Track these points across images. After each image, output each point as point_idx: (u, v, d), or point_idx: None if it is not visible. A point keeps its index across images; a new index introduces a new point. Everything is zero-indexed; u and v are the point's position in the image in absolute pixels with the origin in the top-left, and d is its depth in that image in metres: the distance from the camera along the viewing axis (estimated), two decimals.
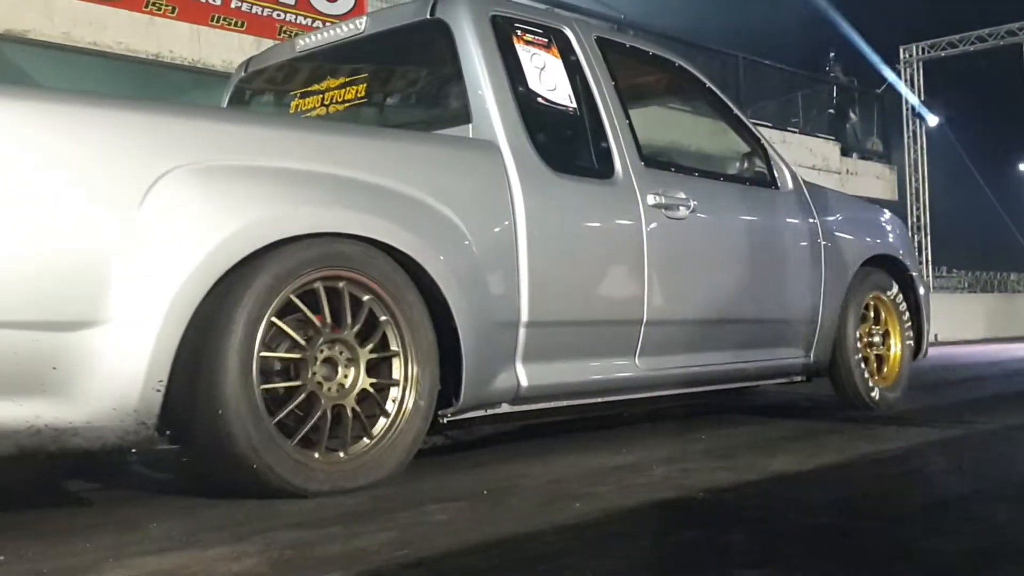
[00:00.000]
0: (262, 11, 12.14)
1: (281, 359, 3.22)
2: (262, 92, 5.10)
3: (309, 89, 4.74)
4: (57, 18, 10.53)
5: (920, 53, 23.30)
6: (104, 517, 3.06)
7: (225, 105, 5.02)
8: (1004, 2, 22.67)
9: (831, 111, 21.16)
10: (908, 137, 23.40)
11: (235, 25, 11.90)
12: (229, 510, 3.06)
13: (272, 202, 3.19)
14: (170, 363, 2.90)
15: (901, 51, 23.42)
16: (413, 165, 3.69)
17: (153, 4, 11.19)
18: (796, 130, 19.43)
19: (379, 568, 2.33)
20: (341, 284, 3.33)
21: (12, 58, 10.81)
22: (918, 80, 23.32)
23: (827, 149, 19.79)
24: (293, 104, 4.79)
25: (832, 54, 22.11)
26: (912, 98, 21.85)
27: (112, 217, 2.86)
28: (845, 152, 20.49)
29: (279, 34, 12.25)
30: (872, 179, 20.80)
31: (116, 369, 2.82)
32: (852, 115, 21.77)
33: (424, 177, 3.66)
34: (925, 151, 23.43)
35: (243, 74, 5.07)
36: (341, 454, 3.29)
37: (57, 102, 3.00)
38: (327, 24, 4.65)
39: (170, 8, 11.33)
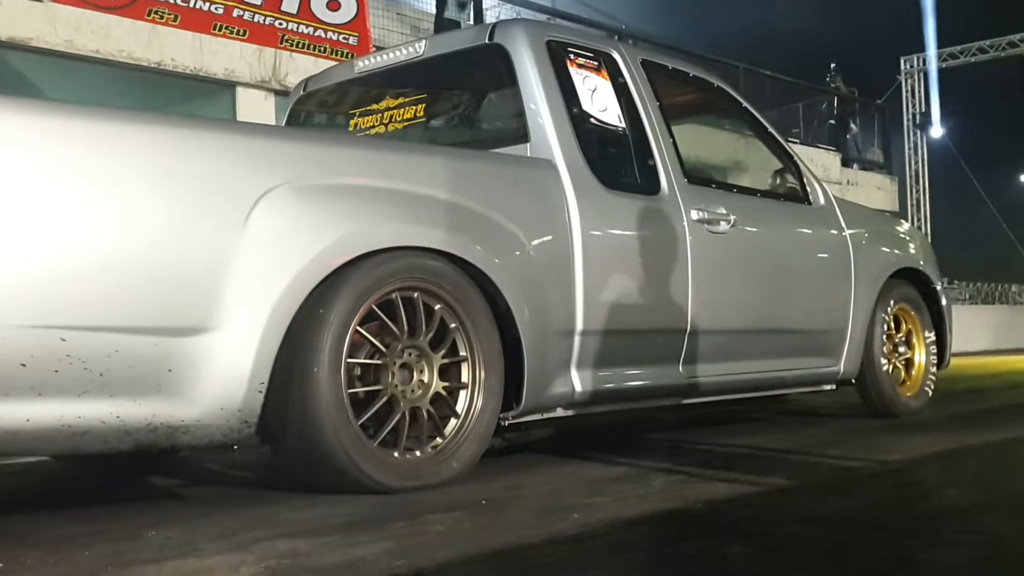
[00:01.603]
0: (264, 20, 12.18)
1: (363, 365, 3.47)
2: (320, 110, 5.37)
3: (368, 108, 5.00)
4: (60, 26, 10.58)
5: (921, 64, 23.30)
6: (103, 525, 3.10)
7: (285, 122, 5.32)
8: (1005, 14, 22.69)
9: (832, 121, 21.17)
10: (909, 148, 23.42)
11: (237, 34, 11.95)
12: (228, 518, 3.09)
13: (359, 218, 3.44)
14: (271, 367, 3.14)
15: (902, 62, 23.45)
16: (480, 183, 3.94)
17: (156, 12, 11.25)
18: (796, 140, 19.45)
19: None
20: (416, 294, 3.57)
21: (15, 66, 10.88)
22: (919, 91, 23.31)
23: (827, 160, 19.82)
24: (352, 123, 5.05)
25: (833, 65, 22.12)
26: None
27: (222, 232, 3.11)
28: (846, 163, 20.52)
29: (280, 43, 12.31)
30: (873, 189, 20.82)
31: (224, 372, 3.06)
32: (853, 126, 21.79)
33: (490, 194, 3.91)
34: (926, 162, 23.46)
35: (302, 93, 5.34)
36: (418, 452, 3.52)
37: (176, 126, 3.26)
38: (384, 48, 5.00)
39: (172, 17, 11.38)
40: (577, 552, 2.59)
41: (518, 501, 3.31)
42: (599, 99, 4.47)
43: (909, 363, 6.09)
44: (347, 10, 12.99)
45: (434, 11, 15.49)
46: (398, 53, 4.89)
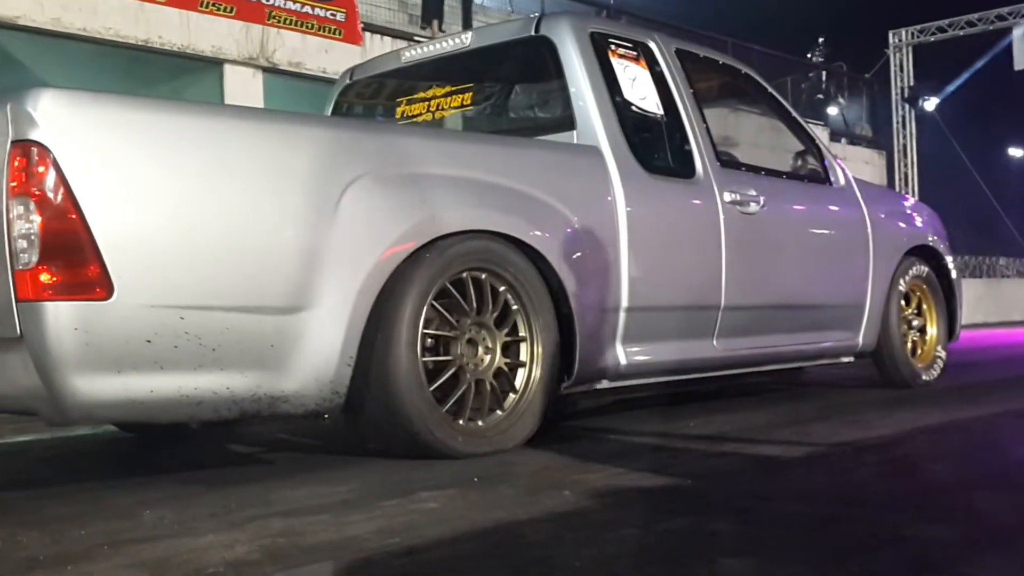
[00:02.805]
0: None
1: (436, 337, 3.75)
2: (367, 98, 5.67)
3: (415, 97, 5.29)
4: (47, 4, 10.60)
5: (910, 38, 23.30)
6: (98, 504, 3.16)
7: (330, 109, 5.61)
8: None
9: (820, 96, 21.17)
10: (897, 122, 23.45)
11: (224, 11, 11.96)
12: (222, 497, 3.16)
13: (433, 205, 3.74)
14: (358, 341, 3.45)
15: (891, 35, 23.46)
16: (536, 169, 4.23)
17: None
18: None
19: (370, 556, 2.39)
20: (484, 276, 3.87)
21: (2, 44, 10.79)
22: (908, 64, 23.31)
23: (816, 134, 19.80)
24: (399, 111, 5.34)
25: (820, 40, 22.11)
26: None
27: (317, 218, 3.40)
28: (834, 137, 20.54)
29: (268, 19, 12.28)
30: (861, 164, 20.95)
31: (318, 347, 3.37)
32: (841, 100, 21.79)
33: (546, 180, 4.19)
34: (914, 135, 23.50)
35: (348, 81, 5.63)
36: (480, 423, 3.82)
37: (276, 122, 3.62)
38: (432, 39, 5.25)
39: None
40: (568, 529, 2.63)
41: (509, 478, 3.35)
42: (639, 87, 4.75)
43: (922, 336, 6.43)
44: None
45: None
46: (444, 44, 5.18)
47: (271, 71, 12.40)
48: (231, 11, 11.98)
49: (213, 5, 11.82)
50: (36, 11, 10.54)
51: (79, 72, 11.66)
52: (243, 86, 12.13)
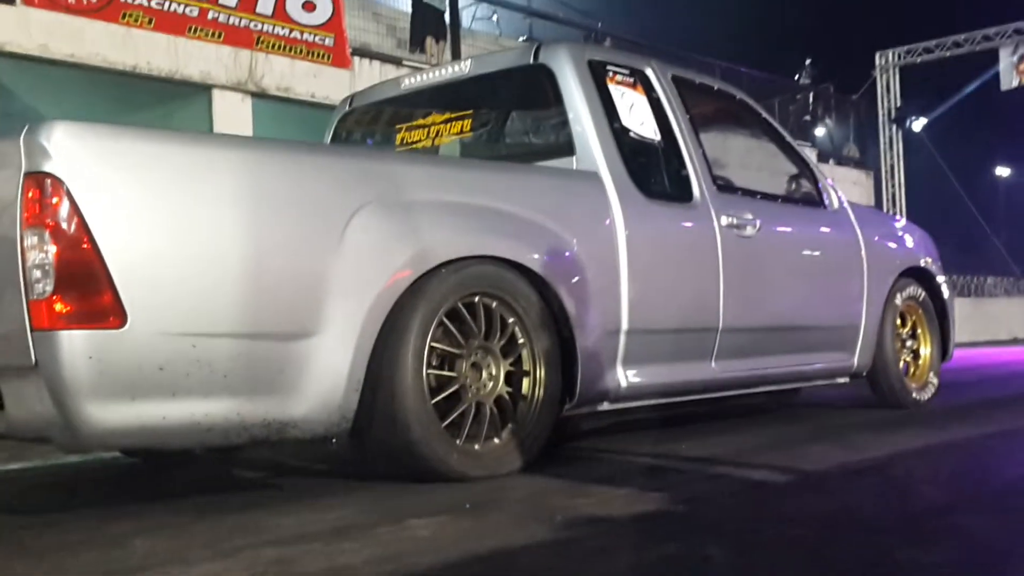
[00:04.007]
0: (239, 22, 12.23)
1: (441, 353, 3.81)
2: (365, 126, 5.77)
3: (414, 124, 5.39)
4: (34, 30, 10.62)
5: (896, 59, 23.44)
6: (92, 533, 3.20)
7: (329, 136, 5.70)
8: (980, 8, 22.86)
9: (807, 117, 21.27)
10: (884, 143, 23.57)
11: (213, 36, 11.99)
12: (214, 525, 3.17)
13: (439, 230, 3.83)
14: (366, 366, 3.53)
15: (877, 56, 23.60)
16: (537, 195, 4.32)
17: (130, 16, 11.29)
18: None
19: None
20: (495, 304, 3.98)
21: None
22: (894, 85, 23.43)
23: (809, 157, 19.87)
24: (399, 137, 5.43)
25: (808, 61, 22.23)
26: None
27: (324, 245, 3.49)
28: (822, 158, 20.64)
29: (256, 44, 12.32)
30: (849, 185, 21.04)
31: (326, 372, 3.44)
32: (828, 121, 21.89)
33: (546, 205, 4.27)
34: (902, 156, 23.60)
35: (347, 108, 5.72)
36: (476, 446, 3.84)
37: (283, 151, 3.69)
38: (430, 66, 5.36)
39: (147, 20, 11.42)
40: (561, 556, 2.65)
41: (501, 504, 3.36)
42: (636, 113, 4.85)
43: (916, 356, 6.51)
44: (323, 11, 13.04)
45: (409, 10, 15.43)
46: (443, 72, 5.30)
47: (259, 96, 12.43)
48: (219, 36, 12.02)
49: (201, 30, 11.85)
50: (23, 37, 10.56)
51: (67, 98, 11.67)
52: (231, 111, 12.16)
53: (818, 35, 30.48)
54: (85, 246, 3.05)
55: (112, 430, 3.12)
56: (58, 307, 3.02)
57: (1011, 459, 4.41)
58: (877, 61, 23.83)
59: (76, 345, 3.02)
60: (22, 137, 3.11)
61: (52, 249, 3.03)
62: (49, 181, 3.05)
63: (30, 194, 3.07)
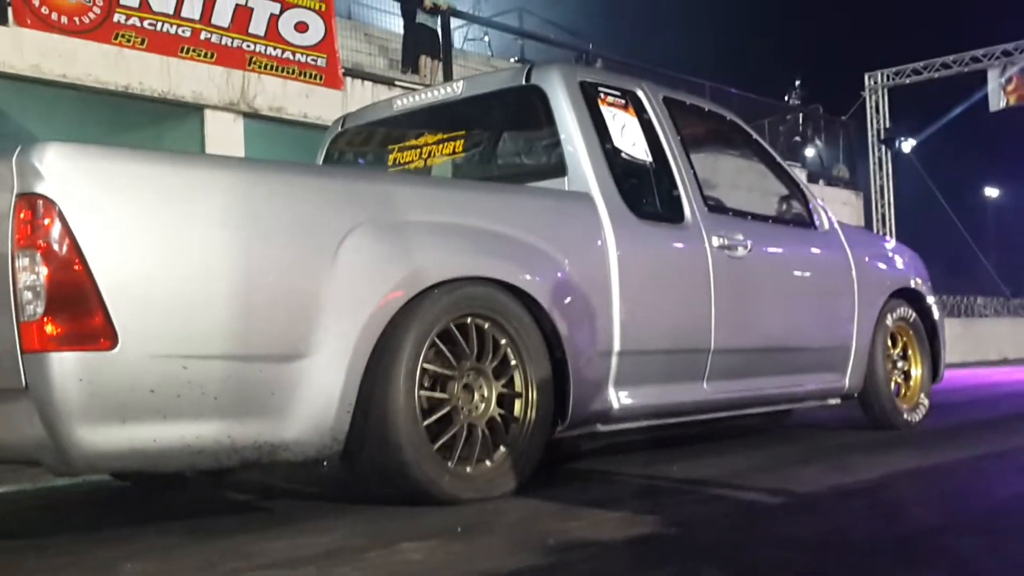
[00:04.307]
0: (232, 42, 12.23)
1: (433, 374, 3.81)
2: (357, 147, 5.77)
3: (407, 144, 5.39)
4: (27, 50, 10.60)
5: (885, 80, 23.54)
6: (80, 557, 3.19)
7: (321, 156, 5.69)
8: (968, 30, 22.95)
9: (797, 138, 21.32)
10: (874, 163, 23.64)
11: (205, 56, 11.99)
12: (205, 549, 3.17)
13: (432, 251, 3.83)
14: (357, 388, 3.51)
15: (866, 78, 23.69)
16: (530, 215, 4.34)
17: (123, 36, 11.27)
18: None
19: None
20: (487, 325, 3.96)
21: None
22: (883, 106, 23.52)
23: (800, 178, 19.91)
24: (391, 157, 5.44)
25: (797, 82, 22.31)
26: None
27: (316, 267, 3.49)
28: (812, 178, 20.68)
29: (249, 65, 12.32)
30: (839, 205, 21.08)
31: (319, 394, 3.42)
32: (818, 142, 21.95)
33: (538, 226, 4.29)
34: (891, 177, 23.67)
35: (339, 129, 5.73)
36: (468, 469, 3.82)
37: (274, 172, 3.69)
38: (423, 87, 5.38)
39: (140, 40, 11.40)
40: None
41: (493, 527, 3.35)
42: (628, 135, 4.87)
43: (907, 377, 6.52)
44: (315, 32, 13.04)
45: (401, 31, 15.45)
46: (436, 93, 5.32)
47: (251, 116, 12.41)
48: (212, 57, 12.00)
49: (194, 51, 11.84)
50: (15, 57, 10.53)
51: (59, 118, 11.65)
52: (224, 131, 12.13)
53: (808, 56, 30.59)
54: (77, 267, 3.04)
55: (102, 453, 3.10)
56: (49, 329, 3.01)
57: (1002, 480, 4.42)
58: (866, 82, 23.94)
59: (67, 367, 3.01)
60: (14, 158, 3.10)
61: (43, 271, 3.02)
62: (41, 202, 3.05)
63: (22, 215, 3.06)
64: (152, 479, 4.68)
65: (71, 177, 3.10)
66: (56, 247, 3.04)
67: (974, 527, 3.31)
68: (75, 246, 3.05)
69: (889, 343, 6.30)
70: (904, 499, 3.97)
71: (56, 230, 3.04)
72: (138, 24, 11.36)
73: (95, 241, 3.08)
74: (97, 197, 3.14)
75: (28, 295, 3.03)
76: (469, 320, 3.92)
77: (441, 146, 5.24)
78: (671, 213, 4.90)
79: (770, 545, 3.05)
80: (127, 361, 3.08)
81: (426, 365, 3.75)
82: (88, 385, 3.02)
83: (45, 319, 3.01)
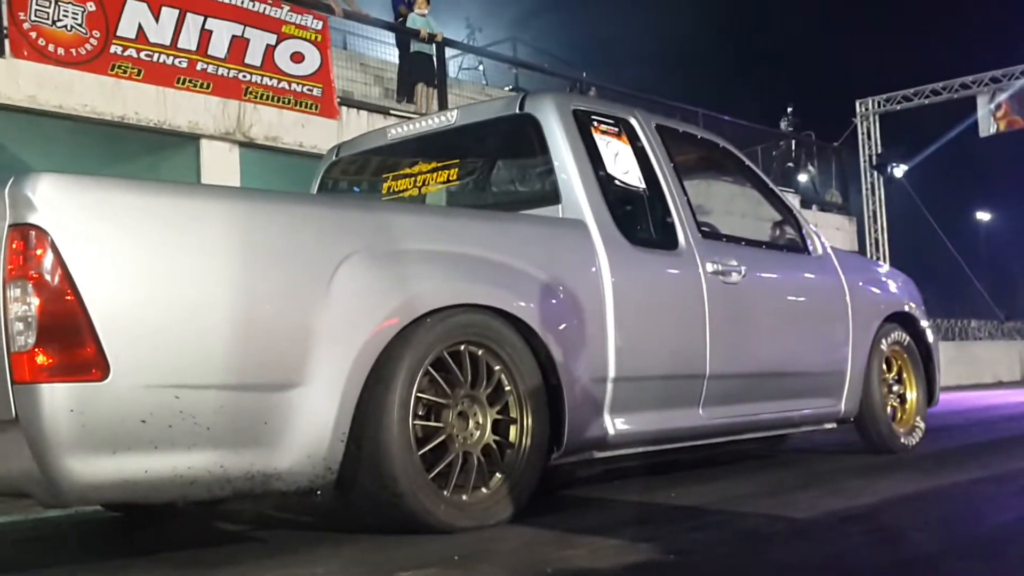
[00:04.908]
0: (228, 73, 12.23)
1: (427, 403, 3.78)
2: (352, 176, 5.77)
3: (401, 173, 5.38)
4: (23, 81, 10.59)
5: (876, 107, 23.62)
6: None
7: (316, 185, 5.68)
8: (957, 57, 23.06)
9: (790, 164, 21.36)
10: (866, 188, 23.68)
11: (201, 87, 11.97)
12: None
13: (425, 279, 3.81)
14: (351, 417, 3.47)
15: (858, 104, 23.77)
16: (524, 243, 4.32)
17: (119, 67, 11.28)
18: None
19: None
20: (480, 352, 3.95)
21: None
22: (875, 132, 23.58)
23: (793, 204, 19.93)
24: (385, 186, 5.43)
25: (789, 109, 22.38)
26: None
27: (310, 296, 3.47)
28: (805, 204, 20.69)
29: (245, 95, 12.31)
30: (832, 230, 21.09)
31: (312, 423, 3.39)
32: (811, 168, 22.00)
33: (533, 253, 4.28)
34: (883, 202, 23.70)
35: (334, 158, 5.72)
36: (464, 497, 3.79)
37: (268, 202, 3.67)
38: (417, 117, 5.38)
39: (136, 71, 11.41)
40: None
41: (491, 556, 3.31)
42: (621, 162, 4.86)
43: (902, 401, 6.51)
44: (311, 62, 13.06)
45: (396, 61, 15.47)
46: (430, 122, 5.32)
47: (248, 146, 12.40)
48: (208, 87, 12.00)
49: (190, 81, 11.84)
50: (12, 89, 10.52)
51: (55, 149, 11.63)
52: (219, 161, 12.12)
53: (800, 84, 30.74)
54: (68, 298, 3.02)
55: (93, 485, 3.07)
56: (40, 360, 2.98)
57: (1000, 504, 4.38)
58: (857, 109, 24.01)
59: (58, 399, 2.97)
60: (7, 189, 3.08)
61: (35, 301, 3.00)
62: (34, 233, 3.03)
63: (14, 245, 3.04)
64: (144, 510, 4.63)
65: (64, 208, 3.08)
66: (48, 278, 3.01)
67: (974, 552, 3.28)
68: (67, 276, 3.02)
69: (884, 367, 6.28)
70: (903, 524, 3.94)
71: (48, 260, 3.02)
72: (135, 55, 11.36)
73: (88, 271, 3.06)
74: (90, 227, 3.12)
75: (19, 326, 3.00)
76: (463, 347, 3.89)
77: (435, 174, 5.24)
78: (665, 239, 4.89)
79: (769, 572, 3.02)
80: (119, 391, 3.04)
81: (420, 393, 3.72)
82: (79, 416, 2.98)
83: (36, 350, 2.98)
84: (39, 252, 3.02)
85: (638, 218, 4.85)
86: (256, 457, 3.30)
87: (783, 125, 22.74)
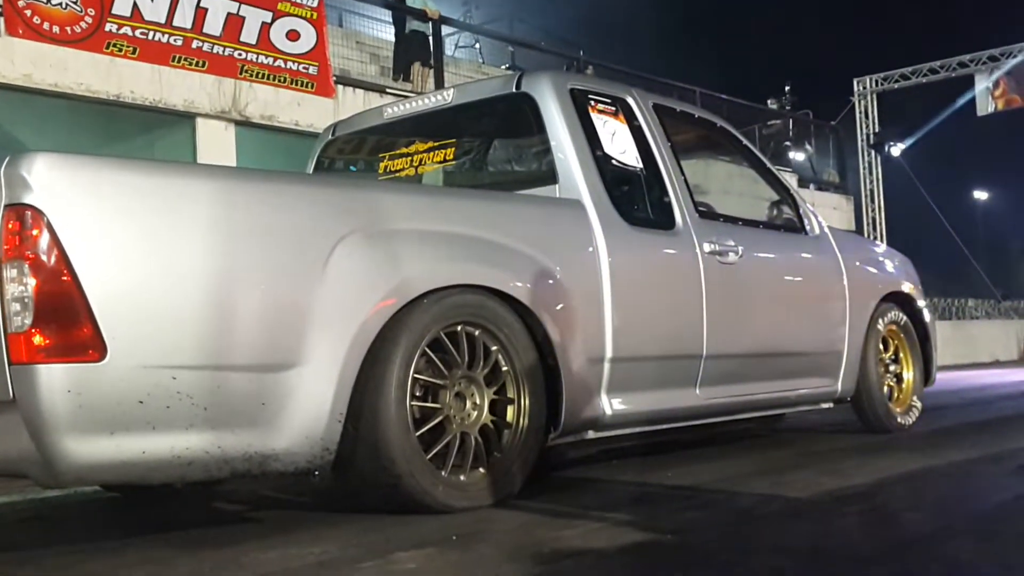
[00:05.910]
0: (223, 51, 12.19)
1: (424, 383, 3.78)
2: (349, 153, 5.74)
3: (397, 152, 5.37)
4: (18, 60, 10.56)
5: (874, 85, 23.58)
6: (70, 571, 3.14)
7: (312, 164, 5.66)
8: (955, 35, 23.01)
9: (787, 143, 21.35)
10: (863, 167, 23.66)
11: (196, 65, 11.95)
12: (196, 561, 3.18)
13: (423, 260, 3.81)
14: (348, 397, 3.47)
15: (855, 83, 23.73)
16: (522, 223, 4.32)
17: (114, 45, 11.24)
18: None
19: None
20: (477, 332, 3.94)
21: None
22: (872, 111, 23.55)
23: (791, 184, 19.92)
24: (382, 165, 5.40)
25: (787, 87, 22.34)
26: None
27: (307, 276, 3.46)
28: (802, 183, 20.69)
29: (240, 73, 12.29)
30: (829, 209, 21.11)
31: (308, 404, 3.38)
32: (808, 147, 21.98)
33: (530, 233, 4.27)
34: (880, 180, 23.69)
35: (330, 137, 5.71)
36: (462, 477, 3.80)
37: (265, 181, 3.68)
38: (414, 95, 5.36)
39: (131, 49, 11.37)
40: None
41: (488, 536, 3.32)
42: (618, 141, 4.84)
43: (899, 381, 6.52)
44: (306, 40, 13.01)
45: (392, 38, 15.43)
46: (426, 101, 5.30)
47: (243, 124, 12.37)
48: (203, 65, 11.96)
49: (185, 59, 11.80)
50: (7, 67, 10.49)
51: (50, 127, 11.60)
52: (215, 139, 12.10)
53: (797, 62, 30.67)
54: (65, 278, 3.01)
55: (91, 465, 3.07)
56: (37, 340, 2.97)
57: (996, 484, 4.40)
58: (855, 87, 23.98)
59: (55, 379, 2.97)
60: (2, 169, 3.07)
61: (32, 282, 2.99)
62: (29, 213, 3.02)
63: (10, 226, 3.03)
64: (142, 490, 4.64)
65: (60, 187, 3.07)
66: (44, 258, 3.00)
67: (971, 531, 3.28)
68: (64, 257, 3.01)
69: (881, 347, 6.30)
70: (899, 503, 3.95)
71: (44, 241, 3.01)
72: (130, 33, 11.32)
73: (84, 251, 3.05)
74: (86, 207, 3.11)
75: (16, 306, 2.99)
76: (460, 328, 3.89)
77: (432, 154, 5.22)
78: (662, 219, 4.88)
79: (765, 552, 3.03)
80: (116, 372, 3.04)
81: (417, 374, 3.72)
82: (76, 397, 2.98)
83: (33, 330, 2.97)
84: (35, 232, 3.00)
85: (635, 198, 4.83)
86: (254, 438, 3.29)
87: (780, 104, 22.72)
